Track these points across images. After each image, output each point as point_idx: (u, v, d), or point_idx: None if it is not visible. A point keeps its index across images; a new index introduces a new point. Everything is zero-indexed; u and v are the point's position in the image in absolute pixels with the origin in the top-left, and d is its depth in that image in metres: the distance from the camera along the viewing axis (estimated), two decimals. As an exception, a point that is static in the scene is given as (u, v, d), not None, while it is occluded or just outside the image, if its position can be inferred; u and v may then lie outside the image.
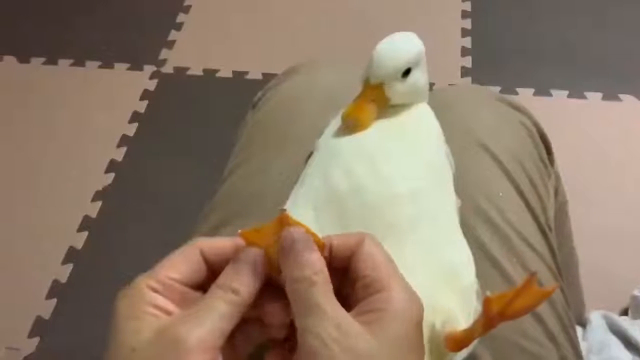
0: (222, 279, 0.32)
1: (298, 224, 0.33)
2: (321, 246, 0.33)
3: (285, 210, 0.33)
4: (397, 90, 0.44)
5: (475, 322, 0.36)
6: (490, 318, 0.35)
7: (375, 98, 0.44)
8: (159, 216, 1.28)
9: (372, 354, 0.29)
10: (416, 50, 0.44)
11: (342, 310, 0.31)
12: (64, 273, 1.21)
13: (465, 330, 0.36)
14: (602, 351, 0.87)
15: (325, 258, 0.33)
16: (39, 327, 1.14)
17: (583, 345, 0.89)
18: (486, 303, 0.35)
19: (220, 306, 0.31)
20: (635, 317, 0.99)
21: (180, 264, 0.33)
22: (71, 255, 1.24)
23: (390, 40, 0.44)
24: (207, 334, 0.30)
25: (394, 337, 0.30)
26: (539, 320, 0.50)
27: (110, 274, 1.09)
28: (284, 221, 0.32)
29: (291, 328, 0.33)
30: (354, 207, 0.41)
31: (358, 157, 0.43)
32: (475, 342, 0.37)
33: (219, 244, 0.34)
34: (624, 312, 1.04)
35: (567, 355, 0.51)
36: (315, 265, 0.31)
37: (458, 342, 0.37)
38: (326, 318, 0.30)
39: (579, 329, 0.92)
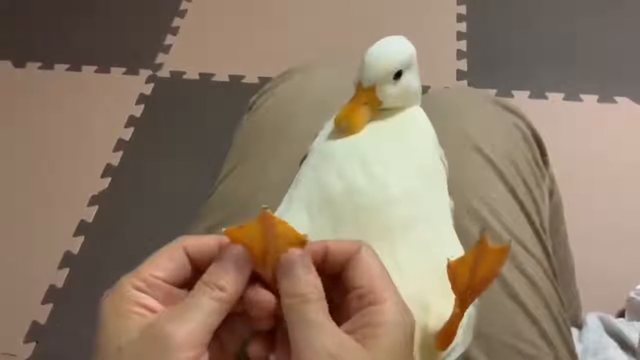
0: (207, 276, 0.32)
1: (280, 222, 0.33)
2: (302, 243, 0.33)
3: (267, 208, 0.33)
4: (389, 93, 0.45)
5: (453, 309, 0.36)
6: (461, 292, 0.35)
7: (368, 101, 0.45)
8: (156, 220, 1.28)
9: None
10: (407, 53, 0.45)
11: (335, 325, 0.31)
12: (60, 278, 1.21)
13: (447, 322, 0.37)
14: (598, 353, 0.87)
15: (317, 261, 0.33)
16: (35, 332, 1.14)
17: (579, 347, 0.89)
18: (450, 270, 0.35)
19: (207, 303, 0.31)
20: (631, 319, 0.99)
21: (165, 263, 0.33)
22: (67, 260, 1.24)
23: (382, 44, 0.45)
24: (194, 331, 0.30)
25: (388, 351, 0.30)
26: (534, 321, 0.50)
27: (107, 279, 1.08)
28: (266, 219, 0.32)
29: (276, 320, 0.33)
30: (347, 209, 0.41)
31: (351, 160, 0.43)
32: (462, 337, 0.37)
33: (203, 242, 0.34)
34: (621, 314, 1.04)
35: (562, 356, 0.51)
36: (310, 285, 0.32)
37: (445, 335, 0.37)
38: (321, 333, 0.30)
39: (575, 331, 0.92)
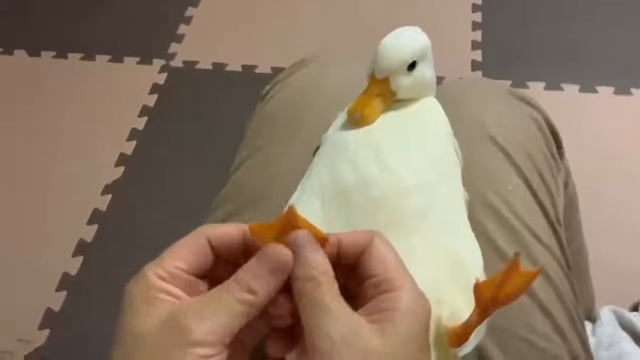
0: (241, 274, 0.32)
1: (304, 220, 0.33)
2: (324, 241, 0.33)
3: (292, 206, 0.33)
4: (403, 84, 0.44)
5: (471, 313, 0.36)
6: (484, 305, 0.35)
7: (381, 92, 0.44)
8: (168, 209, 1.28)
9: (382, 353, 0.29)
10: (421, 44, 0.44)
11: (349, 310, 0.31)
12: (74, 265, 1.22)
13: (463, 324, 0.37)
14: (611, 346, 0.87)
15: (332, 254, 0.33)
16: (49, 319, 1.15)
17: (592, 340, 0.89)
18: (476, 289, 0.35)
19: (235, 305, 0.31)
20: (645, 313, 0.99)
21: (187, 254, 0.33)
22: (81, 248, 1.25)
23: (395, 35, 0.44)
24: (216, 329, 0.30)
25: (404, 337, 0.30)
26: (548, 314, 0.50)
27: (120, 267, 1.10)
28: (290, 216, 0.32)
29: (295, 316, 0.33)
30: (360, 200, 0.41)
31: (365, 150, 0.43)
32: (475, 335, 0.37)
33: (225, 230, 0.34)
34: (634, 308, 1.04)
35: (576, 350, 0.51)
36: (320, 266, 0.31)
37: (458, 335, 0.37)
38: (334, 318, 0.30)
39: (588, 324, 0.91)
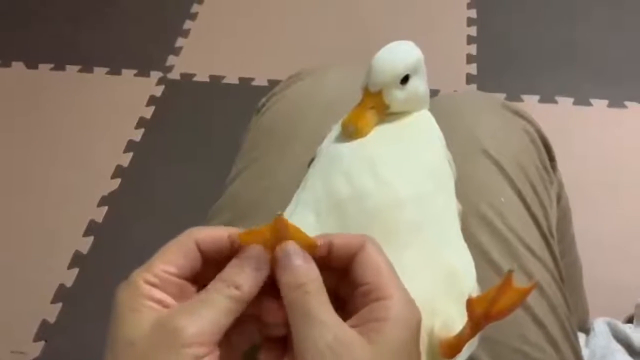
0: (225, 273, 0.32)
1: (293, 227, 0.33)
2: (313, 247, 0.33)
3: (281, 214, 0.33)
4: (396, 98, 0.45)
5: (464, 327, 0.36)
6: (476, 320, 0.35)
7: (375, 105, 0.45)
8: (165, 221, 1.28)
9: None
10: (414, 58, 0.45)
11: (337, 319, 0.31)
12: (69, 277, 1.22)
13: (456, 335, 0.37)
14: (605, 358, 0.87)
15: (322, 258, 0.33)
16: (44, 331, 1.15)
17: (585, 352, 0.89)
18: (469, 304, 0.35)
19: (221, 300, 0.31)
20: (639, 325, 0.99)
21: (176, 257, 0.33)
22: (77, 259, 1.24)
23: (389, 48, 0.45)
24: (206, 327, 0.30)
25: (392, 346, 0.30)
26: (541, 325, 0.50)
27: (116, 279, 1.09)
28: (279, 224, 0.33)
29: (288, 326, 0.33)
30: (354, 212, 0.42)
31: (359, 163, 0.44)
32: (467, 346, 0.38)
33: (214, 233, 0.34)
34: (629, 320, 1.04)
35: (569, 360, 0.51)
36: (308, 274, 0.32)
37: (451, 347, 0.37)
38: (322, 326, 0.30)
39: (582, 336, 0.92)
